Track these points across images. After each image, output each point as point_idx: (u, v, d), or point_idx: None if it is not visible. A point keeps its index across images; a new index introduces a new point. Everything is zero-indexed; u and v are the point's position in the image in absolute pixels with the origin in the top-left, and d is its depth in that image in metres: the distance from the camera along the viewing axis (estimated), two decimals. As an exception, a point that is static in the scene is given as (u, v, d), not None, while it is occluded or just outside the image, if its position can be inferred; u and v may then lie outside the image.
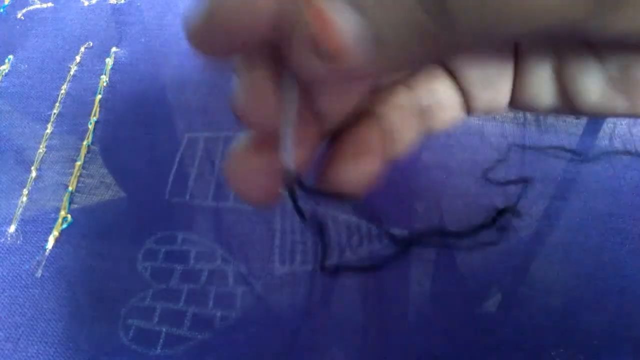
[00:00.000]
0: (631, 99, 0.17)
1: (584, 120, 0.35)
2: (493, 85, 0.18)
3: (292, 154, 0.15)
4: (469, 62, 0.18)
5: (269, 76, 0.14)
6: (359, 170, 0.17)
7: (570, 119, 0.35)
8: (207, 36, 0.13)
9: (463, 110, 0.19)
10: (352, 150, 0.17)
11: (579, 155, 0.28)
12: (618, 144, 0.32)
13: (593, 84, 0.17)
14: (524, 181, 0.29)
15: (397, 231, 0.30)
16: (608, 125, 0.34)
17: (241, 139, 0.17)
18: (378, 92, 0.18)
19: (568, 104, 0.18)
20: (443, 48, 0.13)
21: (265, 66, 0.14)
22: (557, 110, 0.18)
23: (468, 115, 0.19)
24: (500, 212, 0.29)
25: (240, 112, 0.15)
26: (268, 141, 0.16)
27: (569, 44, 0.17)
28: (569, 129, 0.34)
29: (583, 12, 0.12)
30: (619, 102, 0.17)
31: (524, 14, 0.12)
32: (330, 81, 0.15)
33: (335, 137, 0.17)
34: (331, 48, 0.12)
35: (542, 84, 0.17)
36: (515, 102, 0.18)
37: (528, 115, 0.35)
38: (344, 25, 0.12)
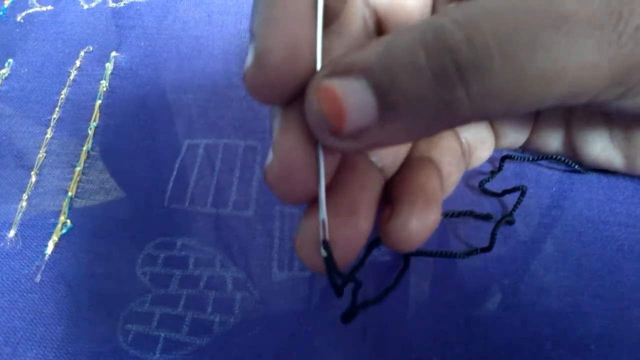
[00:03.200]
0: (629, 158, 0.18)
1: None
2: (520, 130, 0.19)
3: (327, 223, 0.14)
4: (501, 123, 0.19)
5: (305, 144, 0.14)
6: (426, 218, 0.16)
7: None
8: (258, 83, 0.14)
9: (488, 155, 0.19)
10: (416, 199, 0.16)
11: (573, 166, 0.28)
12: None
13: (597, 140, 0.18)
14: (520, 190, 0.29)
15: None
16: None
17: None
18: (424, 139, 0.18)
19: (572, 153, 0.19)
20: (460, 120, 0.13)
21: (302, 135, 0.14)
22: (561, 155, 0.20)
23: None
24: (499, 221, 0.29)
25: (274, 183, 0.15)
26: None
27: (585, 107, 0.17)
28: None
29: (601, 86, 0.12)
30: (618, 159, 0.18)
31: (555, 91, 0.12)
32: (349, 152, 0.15)
33: (392, 191, 0.17)
34: (341, 130, 0.12)
35: (553, 132, 0.18)
36: (529, 144, 0.19)
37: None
38: (355, 105, 0.12)
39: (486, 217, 0.29)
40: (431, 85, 0.12)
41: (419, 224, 0.16)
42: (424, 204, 0.16)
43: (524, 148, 0.20)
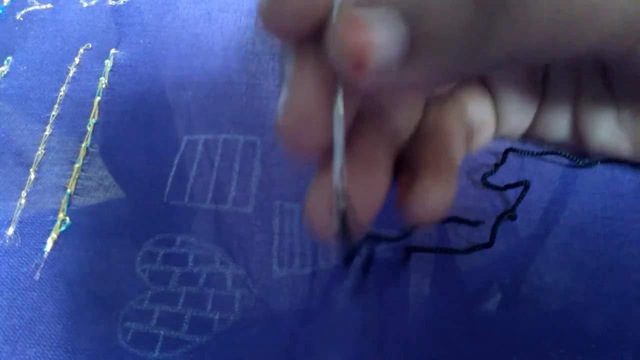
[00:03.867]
0: (636, 144, 0.17)
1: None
2: (522, 113, 0.18)
3: (344, 177, 0.13)
4: (508, 89, 0.18)
5: (322, 85, 0.13)
6: (448, 186, 0.15)
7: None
8: (274, 15, 0.13)
9: (490, 137, 0.19)
10: (435, 170, 0.15)
11: (576, 160, 0.28)
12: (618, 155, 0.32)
13: (604, 124, 0.17)
14: (523, 184, 0.29)
15: (396, 233, 0.30)
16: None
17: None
18: (432, 108, 0.17)
19: (577, 140, 0.18)
20: (495, 55, 0.12)
21: (319, 75, 0.13)
22: (566, 145, 0.19)
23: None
24: (500, 217, 0.29)
25: (286, 128, 0.13)
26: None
27: (594, 85, 0.17)
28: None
29: None
30: (624, 145, 0.18)
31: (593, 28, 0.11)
32: (368, 89, 0.14)
33: (408, 163, 0.16)
34: (365, 64, 0.11)
35: (558, 117, 0.18)
36: (532, 130, 0.19)
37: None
38: (383, 36, 0.11)
39: (475, 224, 0.29)
40: (470, 12, 0.11)
41: (441, 193, 0.15)
42: (446, 173, 0.15)
43: (526, 137, 0.19)
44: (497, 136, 0.19)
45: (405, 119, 0.17)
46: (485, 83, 0.18)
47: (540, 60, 0.15)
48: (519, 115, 0.19)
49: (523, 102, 0.18)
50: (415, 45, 0.12)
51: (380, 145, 0.15)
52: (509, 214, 0.29)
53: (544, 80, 0.18)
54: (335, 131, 0.13)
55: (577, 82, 0.18)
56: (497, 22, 0.11)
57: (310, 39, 0.13)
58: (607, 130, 0.17)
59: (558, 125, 0.18)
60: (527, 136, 0.19)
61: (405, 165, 0.16)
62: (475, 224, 0.29)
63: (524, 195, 0.29)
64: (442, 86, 0.17)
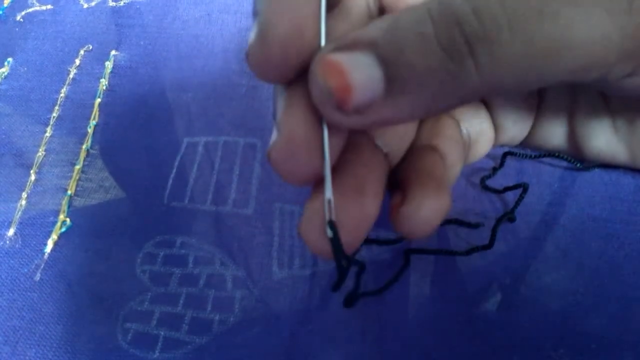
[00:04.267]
0: (632, 151, 0.18)
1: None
2: (520, 123, 0.19)
3: (332, 208, 0.14)
4: (505, 103, 0.18)
5: (310, 122, 0.14)
6: (438, 203, 0.16)
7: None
8: (262, 59, 0.14)
9: (488, 148, 0.19)
10: (426, 184, 0.16)
11: (575, 163, 0.28)
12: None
13: (600, 132, 0.18)
14: (522, 187, 0.29)
15: (395, 233, 0.30)
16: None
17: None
18: (427, 124, 0.18)
19: (574, 147, 0.19)
20: (468, 93, 0.12)
21: (307, 113, 0.14)
22: (563, 150, 0.19)
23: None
24: (499, 219, 0.29)
25: (278, 162, 0.14)
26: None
27: (589, 94, 0.17)
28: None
29: (611, 59, 0.12)
30: (621, 153, 0.18)
31: (566, 57, 0.12)
32: (356, 129, 0.14)
33: (401, 178, 0.17)
34: (347, 104, 0.12)
35: (556, 126, 0.18)
36: (530, 139, 0.19)
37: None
38: (362, 79, 0.12)
39: (475, 226, 0.29)
40: (439, 58, 0.12)
41: (432, 208, 0.15)
42: (435, 188, 0.16)
43: (524, 144, 0.20)
44: (497, 144, 0.20)
45: (396, 140, 0.17)
46: (482, 111, 0.19)
47: (514, 91, 0.16)
48: (516, 126, 0.19)
49: (520, 114, 0.19)
50: (391, 85, 0.12)
51: (373, 166, 0.16)
52: (508, 216, 0.29)
53: (540, 91, 0.18)
54: (324, 163, 0.14)
55: (572, 93, 0.18)
56: (466, 67, 0.12)
57: (299, 78, 0.14)
58: (603, 138, 0.18)
59: (555, 134, 0.19)
60: (526, 143, 0.20)
61: (399, 181, 0.17)
62: (475, 226, 0.29)
63: (523, 198, 0.29)
64: (424, 118, 0.17)
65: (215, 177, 0.33)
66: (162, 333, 0.27)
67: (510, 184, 0.29)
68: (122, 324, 0.28)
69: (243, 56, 0.39)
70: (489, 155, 0.32)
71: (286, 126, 0.14)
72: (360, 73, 0.12)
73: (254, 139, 0.34)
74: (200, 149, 0.34)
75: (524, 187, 0.29)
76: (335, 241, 0.14)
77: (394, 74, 0.12)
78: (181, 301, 0.28)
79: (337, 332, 0.27)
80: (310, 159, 0.14)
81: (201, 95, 0.37)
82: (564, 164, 0.29)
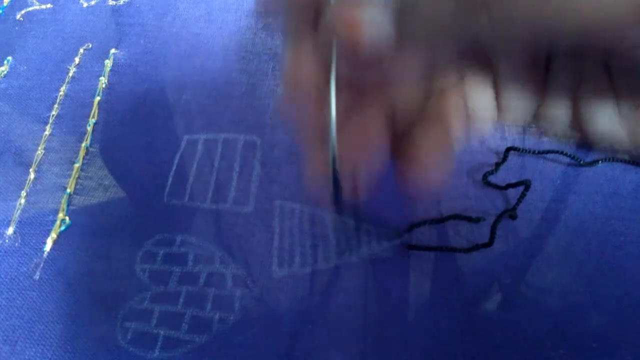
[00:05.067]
0: (635, 136, 0.18)
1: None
2: (524, 102, 0.19)
3: (335, 146, 0.15)
4: (510, 78, 0.19)
5: (317, 67, 0.14)
6: (442, 164, 0.16)
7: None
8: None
9: (494, 120, 0.20)
10: (431, 144, 0.16)
11: (577, 160, 0.28)
12: (618, 146, 0.32)
13: (604, 116, 0.18)
14: (524, 184, 0.29)
15: (396, 233, 0.30)
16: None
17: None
18: (435, 96, 0.18)
19: (578, 130, 0.19)
20: (478, 48, 0.13)
21: (315, 58, 0.14)
22: (567, 132, 0.20)
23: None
24: (499, 215, 0.29)
25: (286, 106, 0.15)
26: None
27: (594, 77, 0.17)
28: (571, 138, 0.34)
29: (623, 20, 0.12)
30: (624, 135, 0.18)
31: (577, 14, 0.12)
32: (358, 60, 0.15)
33: (406, 144, 0.17)
34: (356, 47, 0.12)
35: (560, 108, 0.18)
36: (533, 119, 0.19)
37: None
38: (374, 26, 0.12)
39: (476, 220, 0.29)
40: (452, 9, 0.12)
41: (435, 167, 0.16)
42: (442, 148, 0.16)
43: (528, 123, 0.20)
44: (499, 122, 0.20)
45: (402, 103, 0.17)
46: (488, 70, 0.19)
47: (522, 48, 0.16)
48: (520, 103, 0.19)
49: (525, 91, 0.19)
50: (404, 35, 0.13)
51: (378, 120, 0.16)
52: (509, 212, 0.29)
53: (547, 69, 0.18)
54: (330, 105, 0.14)
55: (579, 73, 0.18)
56: (479, 20, 0.12)
57: (307, 26, 0.14)
58: (606, 121, 0.18)
59: (559, 113, 0.19)
60: (529, 124, 0.20)
61: (404, 147, 0.17)
62: (476, 220, 0.29)
63: (525, 195, 0.29)
64: (429, 69, 0.18)
65: (215, 175, 0.33)
66: (162, 332, 0.27)
67: (513, 180, 0.29)
68: (122, 323, 0.27)
69: (243, 54, 0.39)
70: (491, 151, 0.32)
71: (293, 73, 0.14)
72: (373, 20, 0.12)
73: (253, 137, 0.34)
74: (199, 146, 0.34)
75: (526, 185, 0.29)
76: (337, 187, 0.15)
77: (407, 24, 0.12)
78: (181, 300, 0.28)
79: (337, 332, 0.27)
80: (315, 100, 0.14)
81: (201, 93, 0.37)
82: (567, 160, 0.29)
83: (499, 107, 0.19)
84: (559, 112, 0.19)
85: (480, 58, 0.19)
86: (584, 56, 0.18)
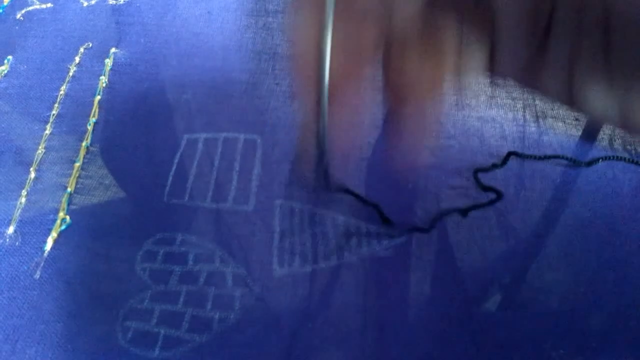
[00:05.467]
0: (623, 113, 0.18)
1: (583, 122, 0.35)
2: (517, 61, 0.19)
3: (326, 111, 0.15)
4: (509, 29, 0.18)
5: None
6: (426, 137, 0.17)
7: (570, 121, 0.35)
8: None
9: (484, 68, 0.20)
10: (418, 123, 0.17)
11: (578, 163, 0.28)
12: (618, 145, 0.32)
13: (596, 91, 0.18)
14: (498, 194, 0.29)
15: (396, 232, 0.30)
16: (607, 127, 0.34)
17: None
18: (432, 29, 0.18)
19: (569, 96, 0.18)
20: None
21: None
22: (559, 98, 0.19)
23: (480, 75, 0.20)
24: (446, 213, 0.29)
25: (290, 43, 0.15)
26: None
27: (592, 48, 0.17)
28: (568, 131, 0.34)
29: None
30: (613, 116, 0.18)
31: None
32: None
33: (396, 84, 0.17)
34: None
35: (555, 68, 0.18)
36: (528, 76, 0.19)
37: (528, 116, 0.35)
38: None
39: (464, 212, 0.29)
40: None
41: (422, 142, 0.17)
42: (433, 89, 0.17)
43: (520, 81, 0.20)
44: (489, 72, 0.20)
45: (401, 27, 0.17)
46: (488, 15, 0.19)
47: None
48: (516, 60, 0.19)
49: (522, 48, 0.19)
50: None
51: (371, 31, 0.16)
52: (461, 211, 0.29)
53: (547, 34, 0.18)
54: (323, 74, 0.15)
55: (577, 41, 0.18)
56: None
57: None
58: (598, 97, 0.18)
59: (553, 77, 0.19)
60: (521, 79, 0.20)
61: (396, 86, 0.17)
62: (464, 213, 0.30)
63: (492, 203, 0.29)
64: None
65: (215, 174, 0.33)
66: (162, 331, 0.27)
67: (512, 179, 0.29)
68: (122, 323, 0.28)
69: (243, 53, 0.39)
70: (492, 155, 0.32)
71: (295, 33, 0.15)
72: None
73: (254, 135, 0.34)
74: (200, 145, 0.34)
75: (498, 195, 0.29)
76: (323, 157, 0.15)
77: None
78: (181, 299, 0.28)
79: (337, 331, 0.27)
80: (314, 60, 0.15)
81: (201, 92, 0.37)
82: (567, 162, 0.29)
83: (493, 58, 0.19)
84: (553, 78, 0.19)
85: (481, 2, 0.19)
86: (585, 15, 0.18)
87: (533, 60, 0.19)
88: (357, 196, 0.29)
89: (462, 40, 0.18)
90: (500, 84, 0.37)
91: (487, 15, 0.18)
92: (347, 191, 0.30)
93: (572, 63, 0.18)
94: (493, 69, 0.19)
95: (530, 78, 0.19)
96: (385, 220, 0.29)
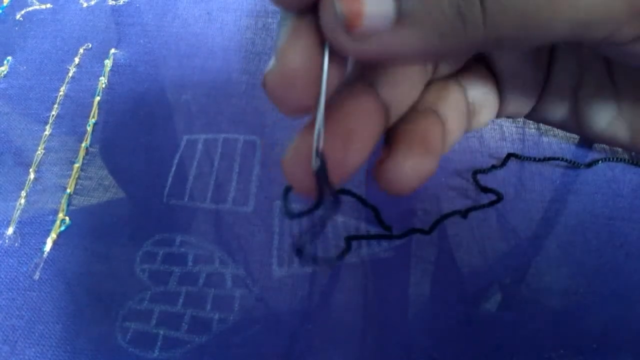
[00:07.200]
0: (633, 133, 0.18)
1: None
2: (526, 96, 0.19)
3: (322, 137, 0.14)
4: (512, 73, 0.19)
5: (311, 48, 0.14)
6: (421, 165, 0.16)
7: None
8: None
9: (491, 117, 0.19)
10: (414, 145, 0.16)
11: (577, 165, 0.28)
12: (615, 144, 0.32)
13: (604, 111, 0.18)
14: (498, 196, 0.29)
15: (396, 232, 0.30)
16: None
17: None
18: (433, 87, 0.18)
19: (577, 125, 0.19)
20: (473, 37, 0.13)
21: (310, 38, 0.14)
22: (565, 127, 0.19)
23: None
24: (448, 214, 0.29)
25: (273, 87, 0.15)
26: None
27: (595, 71, 0.17)
28: (568, 132, 0.34)
29: (617, 17, 0.12)
30: (623, 134, 0.18)
31: (564, 16, 0.12)
32: (360, 57, 0.15)
33: (393, 135, 0.17)
34: (355, 28, 0.13)
35: (560, 102, 0.18)
36: (533, 114, 0.19)
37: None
38: (374, 6, 0.12)
39: (465, 214, 0.30)
40: (445, 6, 0.12)
41: (413, 168, 0.16)
42: (421, 150, 0.16)
43: (528, 117, 0.20)
44: (499, 117, 0.20)
45: (399, 96, 0.17)
46: (490, 66, 0.19)
47: (520, 45, 0.16)
48: (521, 99, 0.19)
49: (526, 87, 0.19)
50: (401, 18, 0.13)
51: (368, 115, 0.16)
52: (462, 213, 0.29)
53: (549, 65, 0.18)
54: (320, 93, 0.14)
55: (580, 70, 0.18)
56: (474, 8, 0.12)
57: (308, 10, 0.14)
58: (606, 118, 0.18)
59: (559, 110, 0.19)
60: (528, 117, 0.20)
61: (391, 139, 0.17)
62: (497, 196, 0.29)
63: (492, 204, 0.29)
64: (429, 62, 0.18)
65: (214, 175, 0.33)
66: (162, 332, 0.27)
67: (512, 180, 0.29)
68: (122, 323, 0.27)
69: (243, 54, 0.39)
70: (492, 156, 0.32)
71: (286, 52, 0.14)
72: (374, 2, 0.13)
73: (253, 136, 0.34)
74: (199, 146, 0.34)
75: (498, 197, 0.29)
76: (322, 170, 0.14)
77: (405, 6, 0.13)
78: (181, 300, 0.28)
79: (337, 332, 0.27)
80: (306, 86, 0.14)
81: (200, 93, 0.37)
82: (567, 164, 0.29)
83: (502, 101, 0.19)
84: (558, 105, 0.19)
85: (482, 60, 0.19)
86: (583, 49, 0.18)
87: (538, 99, 0.19)
88: (358, 197, 0.29)
89: (467, 88, 0.18)
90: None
91: (489, 62, 0.19)
92: (348, 192, 0.30)
93: (577, 93, 0.18)
94: (499, 110, 0.19)
95: (536, 115, 0.19)
96: (386, 228, 0.29)
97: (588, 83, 0.18)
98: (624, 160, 0.31)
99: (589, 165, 0.29)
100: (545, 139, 0.33)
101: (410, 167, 0.16)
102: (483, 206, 0.29)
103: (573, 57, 0.18)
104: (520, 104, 0.19)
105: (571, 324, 0.26)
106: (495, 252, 0.28)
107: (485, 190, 0.30)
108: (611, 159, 0.31)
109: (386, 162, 0.16)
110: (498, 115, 0.20)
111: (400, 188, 0.16)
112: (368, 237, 0.29)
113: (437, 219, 0.29)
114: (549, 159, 0.28)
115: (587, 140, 0.31)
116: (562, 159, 0.28)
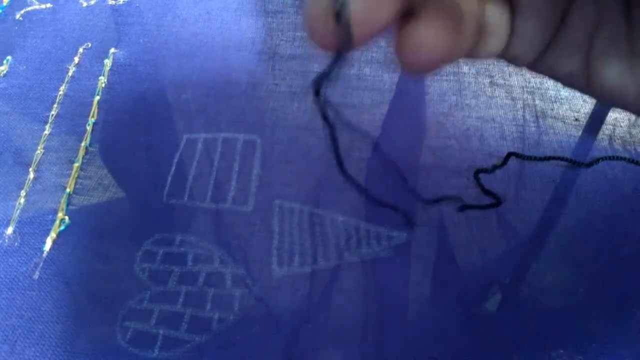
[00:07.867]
0: None
1: (583, 122, 0.35)
2: (540, 31, 0.18)
3: None
4: (529, 7, 0.18)
5: None
6: (446, 36, 0.15)
7: (570, 121, 0.35)
8: None
9: (501, 47, 0.19)
10: (442, 14, 0.15)
11: (578, 165, 0.28)
12: (618, 145, 0.32)
13: (615, 65, 0.17)
14: (497, 200, 0.29)
15: (395, 232, 0.30)
16: (607, 126, 0.34)
17: None
18: None
19: (586, 77, 0.18)
20: None
21: None
22: (572, 80, 0.19)
23: (496, 56, 0.19)
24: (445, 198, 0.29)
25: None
26: None
27: (613, 22, 0.17)
28: (569, 131, 0.34)
29: None
30: (630, 91, 0.17)
31: None
32: None
33: (421, 4, 0.16)
34: None
35: (573, 49, 0.18)
36: (542, 59, 0.19)
37: (527, 116, 0.35)
38: None
39: (461, 208, 0.29)
40: None
41: (437, 35, 0.15)
42: (448, 20, 0.15)
43: (533, 68, 0.19)
44: (506, 55, 0.19)
45: None
46: (506, 6, 0.18)
47: None
48: (534, 35, 0.18)
49: (541, 21, 0.18)
50: None
51: None
52: (461, 205, 0.29)
53: (568, 6, 0.18)
54: None
55: (599, 16, 0.17)
56: None
57: None
58: (617, 71, 0.17)
59: (570, 58, 0.18)
60: (534, 68, 0.19)
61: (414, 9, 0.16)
62: (496, 199, 0.29)
63: (491, 207, 0.29)
64: None
65: (214, 174, 0.33)
66: (162, 332, 0.27)
67: (513, 180, 0.30)
68: (121, 323, 0.27)
69: (242, 54, 0.39)
70: (492, 155, 0.32)
71: None
72: None
73: (253, 136, 0.34)
74: (199, 145, 0.34)
75: (498, 201, 0.29)
76: (345, 24, 0.13)
77: None
78: (180, 299, 0.28)
79: (337, 332, 0.27)
80: None
81: (200, 92, 0.37)
82: (567, 163, 0.29)
83: (512, 35, 0.18)
84: (570, 53, 0.18)
85: None
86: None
87: (550, 42, 0.18)
88: (369, 195, 0.29)
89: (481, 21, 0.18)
90: (500, 84, 0.37)
91: (507, 2, 0.18)
92: (356, 185, 0.29)
93: (591, 41, 0.17)
94: (506, 54, 0.19)
95: (544, 62, 0.19)
96: (417, 197, 0.28)
97: (605, 32, 0.17)
98: (625, 159, 0.31)
99: (589, 164, 0.28)
100: (545, 138, 0.33)
101: (434, 35, 0.14)
102: (482, 207, 0.29)
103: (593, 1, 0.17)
104: (531, 43, 0.19)
105: (571, 323, 0.26)
106: (495, 252, 0.28)
107: (486, 192, 0.30)
108: (611, 158, 0.30)
109: (410, 26, 0.15)
110: (504, 54, 0.19)
111: (421, 58, 0.15)
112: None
113: (439, 197, 0.29)
114: (549, 158, 0.28)
115: (588, 135, 0.31)
116: (563, 159, 0.28)
